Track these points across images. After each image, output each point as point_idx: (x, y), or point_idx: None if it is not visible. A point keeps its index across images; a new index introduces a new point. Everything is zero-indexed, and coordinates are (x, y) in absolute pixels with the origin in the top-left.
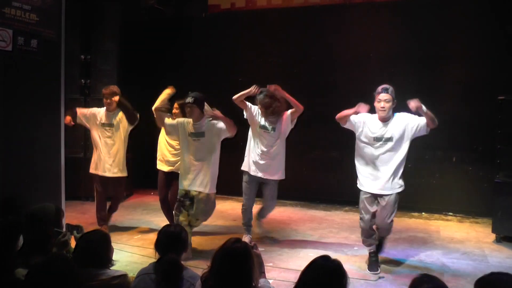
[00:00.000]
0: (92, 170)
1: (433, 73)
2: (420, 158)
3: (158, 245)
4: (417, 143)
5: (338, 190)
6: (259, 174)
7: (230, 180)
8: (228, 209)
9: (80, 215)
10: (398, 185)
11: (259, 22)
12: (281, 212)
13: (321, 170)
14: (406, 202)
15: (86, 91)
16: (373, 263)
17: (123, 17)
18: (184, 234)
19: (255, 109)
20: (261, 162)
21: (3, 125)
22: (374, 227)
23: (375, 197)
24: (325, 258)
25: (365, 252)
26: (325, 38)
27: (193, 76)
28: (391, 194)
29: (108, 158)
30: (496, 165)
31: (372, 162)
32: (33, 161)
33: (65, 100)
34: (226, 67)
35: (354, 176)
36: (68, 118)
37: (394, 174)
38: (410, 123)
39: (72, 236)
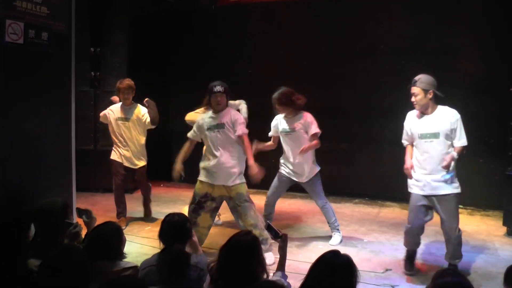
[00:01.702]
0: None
1: (444, 65)
2: None
3: (162, 235)
4: None
5: (348, 182)
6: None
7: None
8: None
9: (90, 206)
10: None
11: (268, 14)
12: (291, 204)
13: (331, 163)
14: None
15: (96, 83)
16: None
17: (132, 10)
18: (188, 223)
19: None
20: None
21: (14, 118)
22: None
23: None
24: (334, 253)
25: (374, 245)
26: (335, 30)
27: (202, 68)
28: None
29: (127, 151)
30: (507, 157)
31: None
32: (43, 154)
33: (75, 93)
34: (235, 59)
35: (363, 169)
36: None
37: None
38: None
39: (82, 220)
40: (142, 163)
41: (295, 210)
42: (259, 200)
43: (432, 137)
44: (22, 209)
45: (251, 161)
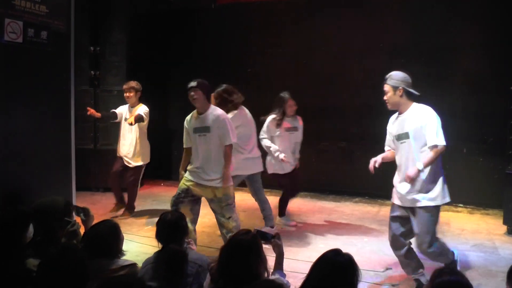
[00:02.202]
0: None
1: (443, 64)
2: None
3: (158, 235)
4: None
5: (348, 181)
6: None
7: None
8: (239, 200)
9: (90, 206)
10: None
11: (268, 13)
12: (291, 203)
13: (330, 161)
14: None
15: (96, 82)
16: None
17: (132, 9)
18: (183, 220)
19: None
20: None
21: (13, 117)
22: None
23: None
24: (336, 252)
25: (374, 244)
26: (334, 29)
27: (201, 67)
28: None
29: (125, 149)
30: (507, 156)
31: None
32: (42, 153)
33: (74, 92)
34: (235, 58)
35: (363, 167)
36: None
37: None
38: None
39: (79, 218)
40: (136, 163)
41: (295, 209)
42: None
43: (405, 138)
44: (21, 209)
45: (228, 173)
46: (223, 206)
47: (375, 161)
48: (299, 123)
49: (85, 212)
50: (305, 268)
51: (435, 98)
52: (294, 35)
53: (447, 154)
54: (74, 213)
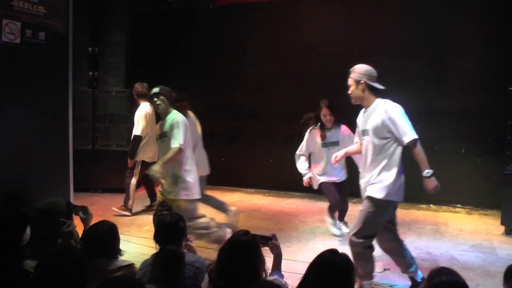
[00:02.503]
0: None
1: (442, 64)
2: (428, 149)
3: (156, 236)
4: (425, 134)
5: (347, 182)
6: None
7: (237, 171)
8: (237, 200)
9: (89, 206)
10: None
11: (266, 14)
12: (289, 204)
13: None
14: (415, 194)
15: (94, 83)
16: None
17: (131, 9)
18: (182, 221)
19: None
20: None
21: (12, 117)
22: None
23: None
24: (332, 252)
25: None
26: (334, 29)
27: (200, 67)
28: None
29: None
30: (506, 156)
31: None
32: (41, 153)
33: (73, 93)
34: (234, 59)
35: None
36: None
37: None
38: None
39: (78, 217)
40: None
41: (293, 210)
42: (257, 199)
43: (366, 134)
44: (20, 210)
45: (161, 164)
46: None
47: (336, 156)
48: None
49: (83, 210)
50: (304, 269)
51: (434, 98)
52: (293, 35)
53: (446, 154)
54: (73, 213)
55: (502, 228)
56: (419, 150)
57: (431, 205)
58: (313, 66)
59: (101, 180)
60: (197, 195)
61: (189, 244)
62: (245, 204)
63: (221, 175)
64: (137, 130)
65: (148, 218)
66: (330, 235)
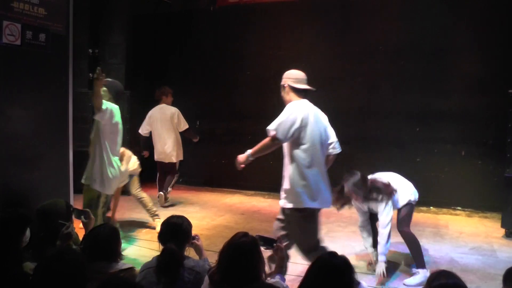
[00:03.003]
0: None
1: (442, 66)
2: (429, 151)
3: (160, 236)
4: (425, 136)
5: None
6: None
7: (237, 174)
8: (236, 202)
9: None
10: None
11: (267, 15)
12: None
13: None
14: None
15: None
16: None
17: (131, 11)
18: (187, 225)
19: None
20: None
21: (12, 119)
22: None
23: None
24: (331, 254)
25: None
26: (334, 31)
27: (201, 69)
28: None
29: None
30: (506, 159)
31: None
32: (41, 155)
33: (73, 94)
34: (234, 61)
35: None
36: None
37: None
38: None
39: (80, 221)
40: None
41: None
42: (257, 201)
43: None
44: (19, 211)
45: None
46: None
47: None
48: None
49: (85, 215)
50: (303, 271)
51: (434, 100)
52: (294, 37)
53: (447, 156)
54: (74, 216)
55: (502, 231)
56: (265, 140)
57: (431, 207)
58: (313, 68)
59: None
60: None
61: (196, 242)
62: (245, 206)
63: (221, 177)
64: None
65: (148, 220)
66: (330, 238)
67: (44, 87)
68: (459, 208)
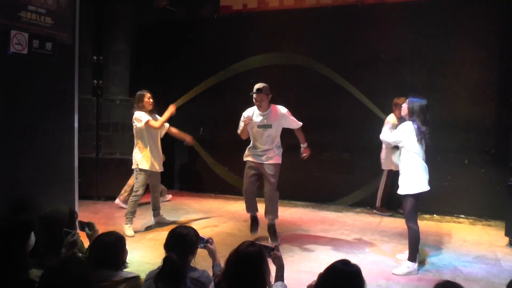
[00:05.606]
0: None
1: (444, 75)
2: (431, 160)
3: (165, 245)
4: (428, 145)
5: (349, 192)
6: None
7: (241, 180)
8: (240, 209)
9: (92, 215)
10: None
11: (271, 23)
12: (292, 213)
13: (332, 172)
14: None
15: (99, 91)
16: None
17: (135, 18)
18: (192, 236)
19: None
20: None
21: (18, 126)
22: None
23: None
24: (345, 262)
25: (376, 255)
26: (336, 40)
27: (204, 77)
28: None
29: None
30: (509, 167)
31: None
32: (47, 162)
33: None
34: (238, 69)
35: (365, 178)
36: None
37: None
38: None
39: (84, 233)
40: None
41: (296, 219)
42: (260, 209)
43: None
44: (23, 217)
45: None
46: None
47: None
48: None
49: (90, 227)
50: (307, 279)
51: (437, 109)
52: (296, 45)
53: (449, 165)
54: (77, 223)
55: (506, 239)
56: None
57: (435, 215)
58: (316, 76)
59: (105, 188)
60: None
61: (209, 246)
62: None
63: (225, 183)
64: None
65: (152, 227)
66: (333, 245)
67: (50, 95)
68: (462, 216)
